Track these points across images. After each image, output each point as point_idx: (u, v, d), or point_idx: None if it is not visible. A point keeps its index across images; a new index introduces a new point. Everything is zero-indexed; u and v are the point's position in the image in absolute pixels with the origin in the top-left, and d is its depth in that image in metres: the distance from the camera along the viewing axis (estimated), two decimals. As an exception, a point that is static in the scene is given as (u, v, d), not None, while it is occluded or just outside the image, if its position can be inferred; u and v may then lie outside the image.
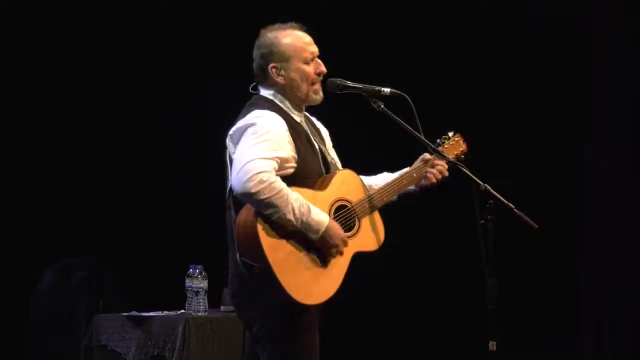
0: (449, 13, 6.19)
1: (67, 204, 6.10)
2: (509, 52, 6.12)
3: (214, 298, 5.04)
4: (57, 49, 6.08)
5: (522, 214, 3.38)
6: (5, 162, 5.99)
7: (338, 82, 3.58)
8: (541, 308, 6.04)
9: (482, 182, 3.40)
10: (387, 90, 3.53)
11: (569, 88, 6.07)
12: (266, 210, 3.24)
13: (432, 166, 3.66)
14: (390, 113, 3.51)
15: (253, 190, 3.21)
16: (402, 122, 3.50)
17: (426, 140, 3.57)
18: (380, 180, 3.68)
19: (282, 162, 3.33)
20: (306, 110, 3.63)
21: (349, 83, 3.57)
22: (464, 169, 3.49)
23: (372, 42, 6.17)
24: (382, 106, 3.52)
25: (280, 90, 3.52)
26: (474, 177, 3.43)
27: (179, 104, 6.26)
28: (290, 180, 3.33)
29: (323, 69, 3.55)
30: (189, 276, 5.00)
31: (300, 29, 3.55)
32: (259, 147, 3.28)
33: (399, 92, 3.53)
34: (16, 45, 6.01)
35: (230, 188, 3.35)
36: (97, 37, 6.16)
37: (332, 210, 3.43)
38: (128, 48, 6.21)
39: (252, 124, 3.35)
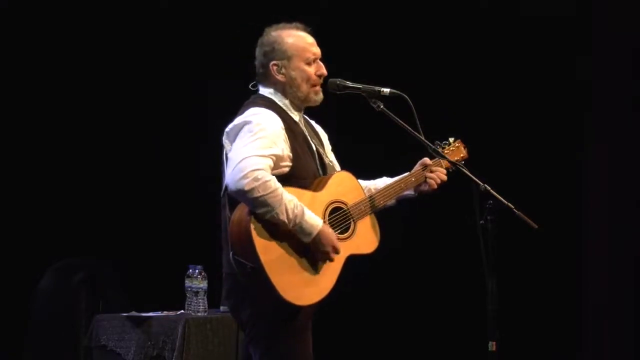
0: (449, 13, 6.19)
1: (67, 205, 6.11)
2: (508, 52, 6.12)
3: (213, 298, 5.04)
4: (57, 49, 6.09)
5: (521, 214, 3.38)
6: (5, 162, 6.00)
7: (338, 82, 3.58)
8: (541, 308, 6.04)
9: (482, 183, 3.40)
10: (386, 90, 3.53)
11: (569, 88, 6.06)
12: (259, 209, 3.23)
13: (431, 171, 3.66)
14: (390, 113, 3.51)
15: (247, 188, 3.20)
16: (402, 123, 3.50)
17: (426, 141, 3.57)
18: (379, 184, 3.68)
19: (277, 160, 3.32)
20: (305, 113, 3.63)
21: (349, 83, 3.57)
22: (463, 170, 3.49)
23: (372, 42, 6.17)
24: (382, 106, 3.52)
25: (280, 88, 3.52)
26: (473, 177, 3.43)
27: (179, 104, 6.26)
28: (286, 179, 3.33)
29: (324, 71, 3.55)
30: (188, 276, 5.00)
31: (305, 30, 3.57)
32: (254, 144, 3.27)
33: (398, 92, 3.53)
34: (16, 45, 6.01)
35: (226, 186, 3.33)
36: (97, 37, 6.16)
37: (328, 212, 3.42)
38: (128, 48, 6.21)
39: (248, 122, 3.35)
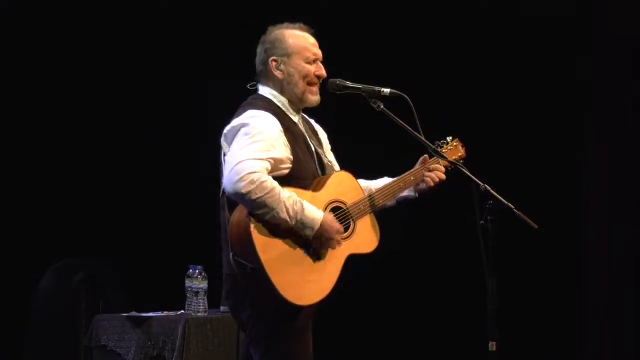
0: (449, 13, 6.19)
1: (67, 205, 6.11)
2: (508, 52, 6.12)
3: (213, 298, 5.04)
4: (57, 49, 6.09)
5: (521, 214, 3.37)
6: (5, 162, 5.99)
7: (338, 82, 3.58)
8: (541, 308, 6.04)
9: (482, 182, 3.40)
10: (386, 90, 3.53)
11: (569, 88, 6.06)
12: (258, 210, 3.23)
13: (429, 170, 3.66)
14: (390, 113, 3.51)
15: (244, 191, 3.20)
16: (402, 123, 3.50)
17: (426, 141, 3.57)
18: (379, 184, 3.68)
19: (275, 163, 3.32)
20: (305, 112, 3.63)
21: (349, 83, 3.57)
22: (463, 169, 3.49)
23: (372, 42, 6.17)
24: (382, 106, 3.53)
25: (278, 86, 3.52)
26: (473, 177, 3.43)
27: (179, 104, 6.26)
28: (285, 181, 3.33)
29: (323, 72, 3.55)
30: (188, 276, 5.00)
31: (308, 31, 3.58)
32: (251, 147, 3.27)
33: (398, 92, 3.54)
34: (16, 45, 6.01)
35: (224, 188, 3.33)
36: (97, 37, 6.16)
37: (327, 212, 3.41)
38: (128, 48, 6.21)
39: (245, 124, 3.34)
